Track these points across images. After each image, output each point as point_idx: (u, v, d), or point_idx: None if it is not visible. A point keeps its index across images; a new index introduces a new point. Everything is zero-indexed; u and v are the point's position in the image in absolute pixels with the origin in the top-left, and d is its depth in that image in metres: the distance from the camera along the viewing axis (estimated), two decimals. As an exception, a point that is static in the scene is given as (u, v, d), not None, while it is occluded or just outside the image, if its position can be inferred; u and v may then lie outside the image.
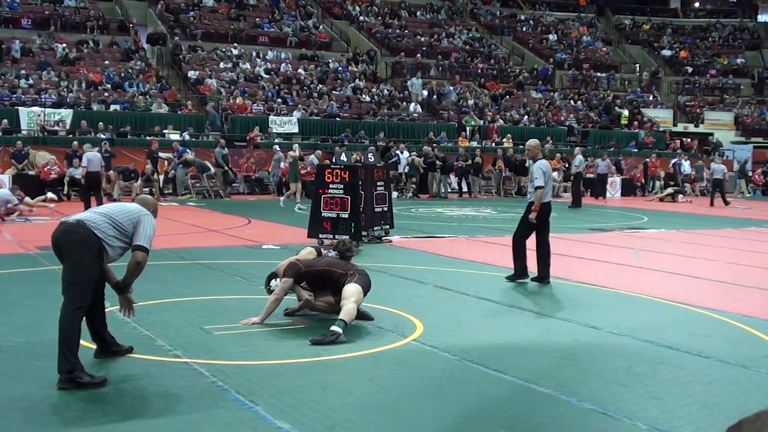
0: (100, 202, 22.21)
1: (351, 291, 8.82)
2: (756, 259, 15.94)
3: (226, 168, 30.28)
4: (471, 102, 43.30)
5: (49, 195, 23.92)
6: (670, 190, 35.62)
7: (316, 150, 32.14)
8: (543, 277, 12.49)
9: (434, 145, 36.26)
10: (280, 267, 9.62)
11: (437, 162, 33.25)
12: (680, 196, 34.94)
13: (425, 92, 43.59)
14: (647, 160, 39.46)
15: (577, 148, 33.48)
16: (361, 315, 9.30)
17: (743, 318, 10.12)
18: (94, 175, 23.29)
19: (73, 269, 6.94)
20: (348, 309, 8.56)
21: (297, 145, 31.30)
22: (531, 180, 12.64)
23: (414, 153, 34.02)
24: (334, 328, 8.32)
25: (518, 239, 12.70)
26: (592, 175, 35.57)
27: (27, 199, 22.51)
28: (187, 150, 30.14)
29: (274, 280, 9.70)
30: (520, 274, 12.62)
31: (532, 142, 13.27)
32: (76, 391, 6.60)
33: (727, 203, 31.49)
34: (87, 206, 22.20)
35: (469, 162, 34.35)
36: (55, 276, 11.11)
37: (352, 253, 9.94)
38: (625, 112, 47.06)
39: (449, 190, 33.99)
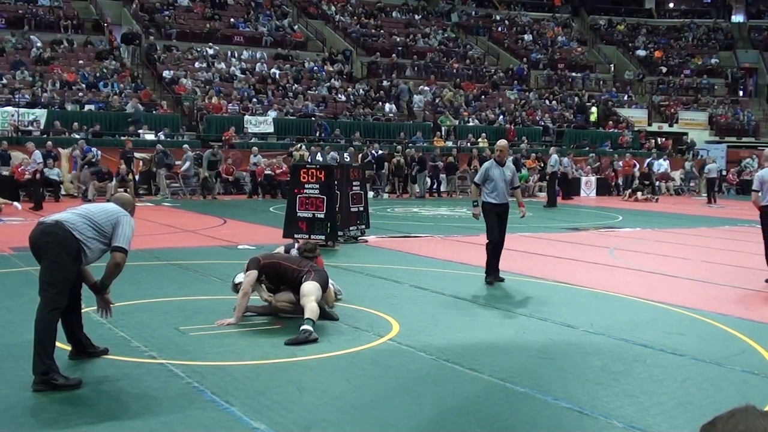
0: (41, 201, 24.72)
1: (309, 289, 8.90)
2: (730, 258, 16.05)
3: (207, 175, 30.10)
4: (446, 101, 43.31)
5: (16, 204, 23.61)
6: (629, 191, 35.88)
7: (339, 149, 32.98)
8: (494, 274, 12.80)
9: (410, 145, 36.32)
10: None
11: (413, 162, 33.39)
12: (639, 193, 35.09)
13: (419, 96, 43.63)
14: (624, 159, 39.66)
15: (553, 147, 33.51)
16: (327, 315, 9.35)
17: (718, 316, 10.19)
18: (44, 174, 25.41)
19: (50, 270, 6.89)
20: (311, 307, 8.63)
21: (302, 144, 32.72)
22: (506, 181, 12.60)
23: (399, 154, 33.99)
24: (304, 327, 8.36)
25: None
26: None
27: None
28: (92, 149, 29.60)
29: (239, 275, 9.81)
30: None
31: (501, 143, 13.22)
32: (51, 393, 6.55)
33: (714, 201, 32.62)
34: (40, 205, 24.22)
35: (438, 163, 34.43)
36: (29, 277, 11.06)
37: (312, 254, 10.03)
38: (594, 110, 47.18)
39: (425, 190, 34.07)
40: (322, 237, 15.97)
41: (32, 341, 6.76)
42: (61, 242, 6.91)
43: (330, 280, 10.62)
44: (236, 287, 9.78)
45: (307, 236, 16.01)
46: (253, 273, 9.26)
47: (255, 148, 31.61)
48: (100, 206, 7.49)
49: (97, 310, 7.75)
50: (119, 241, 7.17)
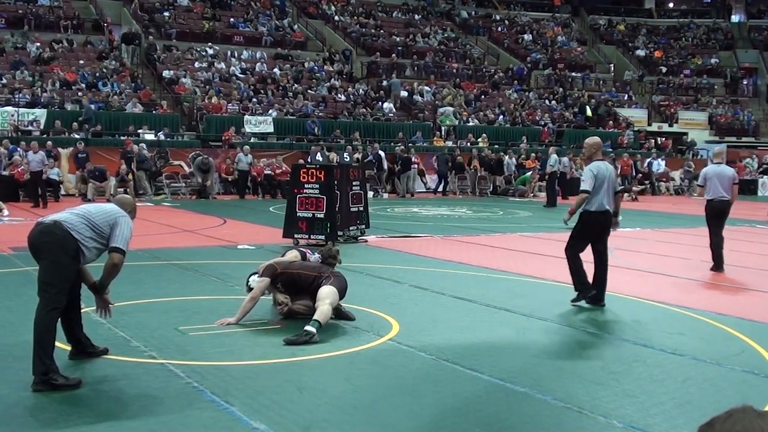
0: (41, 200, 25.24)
1: (326, 293, 8.85)
2: (730, 258, 16.02)
3: (205, 181, 29.95)
4: (446, 102, 43.27)
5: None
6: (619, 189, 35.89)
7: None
8: (598, 296, 10.88)
9: (410, 144, 36.42)
10: (261, 267, 9.61)
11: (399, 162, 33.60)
12: (625, 194, 35.18)
13: (405, 93, 43.63)
14: (621, 158, 39.72)
15: (551, 147, 33.37)
16: (343, 315, 9.35)
17: (717, 316, 10.19)
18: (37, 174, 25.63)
19: (49, 270, 6.90)
20: (322, 310, 8.58)
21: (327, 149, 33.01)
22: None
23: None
24: (308, 327, 8.33)
25: (569, 253, 11.08)
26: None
27: None
28: (18, 149, 28.79)
29: (253, 275, 9.72)
30: (582, 291, 10.94)
31: (588, 140, 11.63)
32: (51, 393, 6.56)
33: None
34: (45, 204, 24.78)
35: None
36: (29, 277, 11.05)
37: (335, 261, 9.94)
38: (587, 107, 47.14)
39: (422, 190, 34.17)
40: (322, 237, 15.97)
41: (32, 341, 6.76)
42: (60, 242, 6.92)
43: None
44: (249, 288, 9.71)
45: (306, 236, 16.03)
46: (266, 280, 9.23)
47: (246, 147, 31.24)
48: (98, 206, 7.49)
49: (97, 310, 7.75)
50: (117, 241, 7.17)
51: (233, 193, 31.39)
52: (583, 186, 10.81)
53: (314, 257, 10.15)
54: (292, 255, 10.25)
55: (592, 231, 10.93)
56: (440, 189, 34.86)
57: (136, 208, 7.79)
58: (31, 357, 6.72)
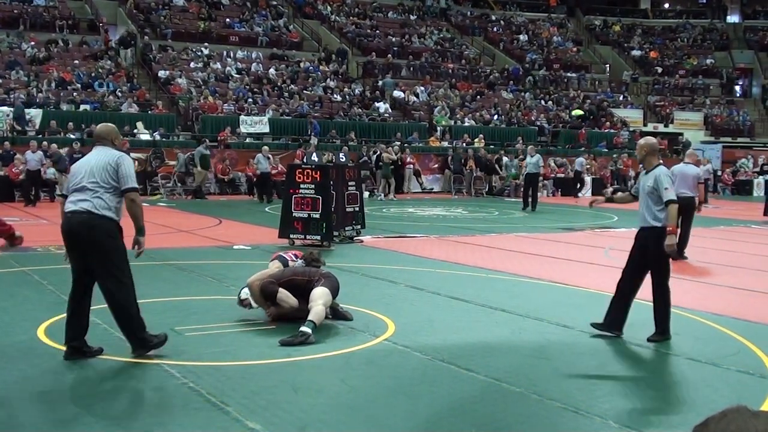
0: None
1: (318, 293, 8.85)
2: (725, 258, 16.06)
3: (200, 169, 29.86)
4: (441, 103, 43.27)
5: None
6: (610, 189, 36.02)
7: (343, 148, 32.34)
8: (660, 331, 8.94)
9: (406, 145, 36.44)
10: (251, 279, 9.46)
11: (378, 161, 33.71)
12: (620, 194, 35.35)
13: (400, 94, 43.61)
14: (621, 158, 39.83)
15: (530, 147, 31.45)
16: (341, 315, 9.36)
17: (713, 316, 10.20)
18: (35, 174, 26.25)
19: (109, 258, 7.35)
20: (317, 310, 8.58)
21: (392, 148, 34.02)
22: (655, 191, 9.12)
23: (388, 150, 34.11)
24: (303, 328, 8.33)
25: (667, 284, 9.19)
26: (562, 175, 36.33)
27: None
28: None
29: (244, 289, 9.60)
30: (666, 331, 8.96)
31: (640, 141, 9.76)
32: (48, 394, 6.54)
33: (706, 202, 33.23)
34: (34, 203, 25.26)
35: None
36: (24, 278, 11.06)
37: (318, 263, 9.89)
38: (578, 110, 47.12)
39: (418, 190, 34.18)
40: (318, 237, 15.97)
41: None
42: (105, 230, 7.33)
43: None
44: (242, 302, 9.61)
45: (302, 236, 16.02)
46: (290, 296, 9.26)
47: (266, 148, 30.14)
48: (96, 163, 7.55)
49: (135, 247, 7.81)
50: (127, 183, 7.51)
51: (229, 194, 31.37)
52: (669, 195, 9.01)
53: (298, 263, 10.10)
54: (275, 266, 10.14)
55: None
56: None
57: (117, 133, 8.05)
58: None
